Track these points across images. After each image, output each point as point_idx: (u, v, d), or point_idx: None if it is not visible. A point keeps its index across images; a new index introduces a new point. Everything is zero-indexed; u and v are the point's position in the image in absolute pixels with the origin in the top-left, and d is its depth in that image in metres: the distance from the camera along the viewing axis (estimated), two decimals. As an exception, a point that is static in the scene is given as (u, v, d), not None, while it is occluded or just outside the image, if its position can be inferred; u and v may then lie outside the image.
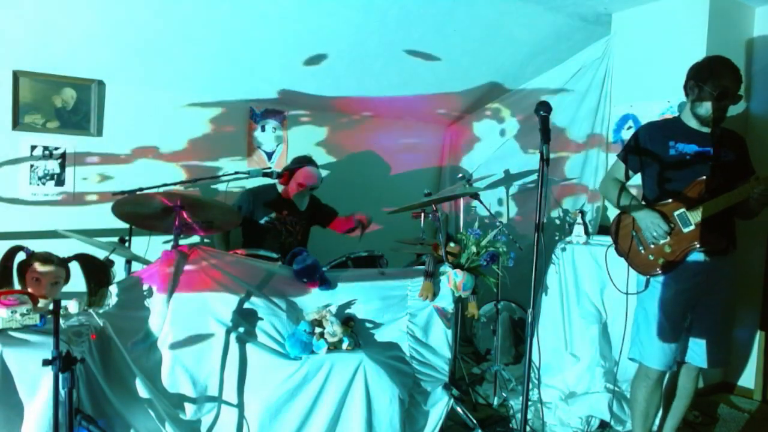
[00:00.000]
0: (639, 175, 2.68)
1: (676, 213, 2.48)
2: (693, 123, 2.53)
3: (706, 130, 2.50)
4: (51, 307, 1.79)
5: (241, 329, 2.50)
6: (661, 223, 2.46)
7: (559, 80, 4.20)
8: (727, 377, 3.68)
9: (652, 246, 2.51)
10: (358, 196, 4.66)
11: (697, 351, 2.54)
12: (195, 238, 3.64)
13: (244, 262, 2.81)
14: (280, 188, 3.69)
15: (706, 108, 2.46)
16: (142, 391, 2.26)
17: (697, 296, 2.49)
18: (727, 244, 2.50)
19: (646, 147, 2.58)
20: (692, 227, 2.44)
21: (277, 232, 3.62)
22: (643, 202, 2.60)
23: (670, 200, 2.51)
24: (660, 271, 2.49)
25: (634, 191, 2.70)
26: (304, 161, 3.68)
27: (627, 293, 2.64)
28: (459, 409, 2.83)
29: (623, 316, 2.67)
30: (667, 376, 2.67)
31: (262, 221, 3.61)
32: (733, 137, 2.57)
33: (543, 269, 3.28)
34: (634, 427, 2.70)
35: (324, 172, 3.88)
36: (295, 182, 3.60)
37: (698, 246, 2.43)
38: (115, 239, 3.04)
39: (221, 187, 3.93)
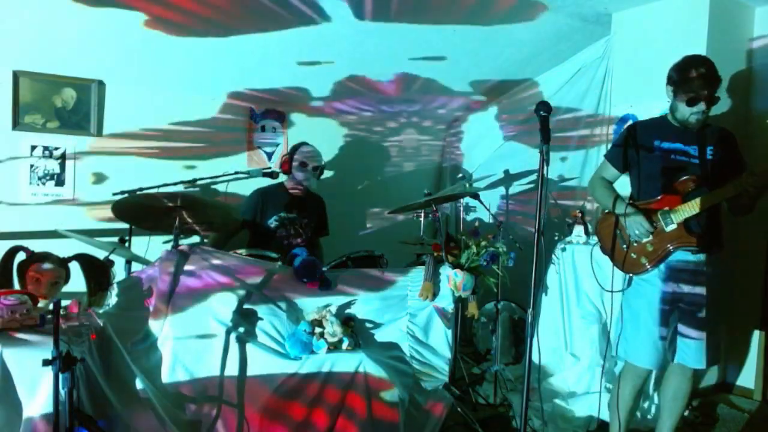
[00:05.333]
0: (627, 173, 2.67)
1: (659, 212, 2.48)
2: (677, 123, 2.54)
3: (691, 128, 2.51)
4: (51, 307, 1.79)
5: (241, 329, 2.51)
6: (644, 221, 2.46)
7: (559, 80, 4.20)
8: (726, 377, 3.67)
9: (635, 244, 2.52)
10: (359, 195, 4.67)
11: (687, 351, 2.51)
12: (195, 238, 3.64)
13: (244, 262, 2.81)
14: (290, 186, 3.69)
15: (682, 113, 2.48)
16: (142, 391, 2.26)
17: (681, 295, 2.48)
18: (712, 243, 2.48)
19: (632, 146, 2.57)
20: (674, 226, 2.44)
21: (285, 232, 3.61)
22: (629, 201, 2.59)
23: (657, 198, 2.50)
24: (642, 270, 2.49)
25: (621, 189, 2.68)
26: (299, 144, 3.71)
27: (612, 291, 2.62)
28: (459, 409, 2.83)
29: (620, 315, 2.65)
30: (653, 375, 2.64)
31: (271, 220, 3.59)
32: (721, 135, 2.56)
33: (543, 269, 3.28)
34: (615, 422, 2.65)
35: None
36: (298, 163, 3.61)
37: (679, 245, 2.43)
38: (115, 239, 3.05)
39: (221, 187, 3.94)
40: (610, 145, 2.80)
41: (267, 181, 3.67)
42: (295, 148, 3.68)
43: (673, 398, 2.65)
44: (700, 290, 2.48)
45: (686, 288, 2.48)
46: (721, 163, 2.49)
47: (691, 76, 2.43)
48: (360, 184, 4.65)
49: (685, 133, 2.51)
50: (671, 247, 2.45)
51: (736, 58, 3.51)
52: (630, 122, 3.53)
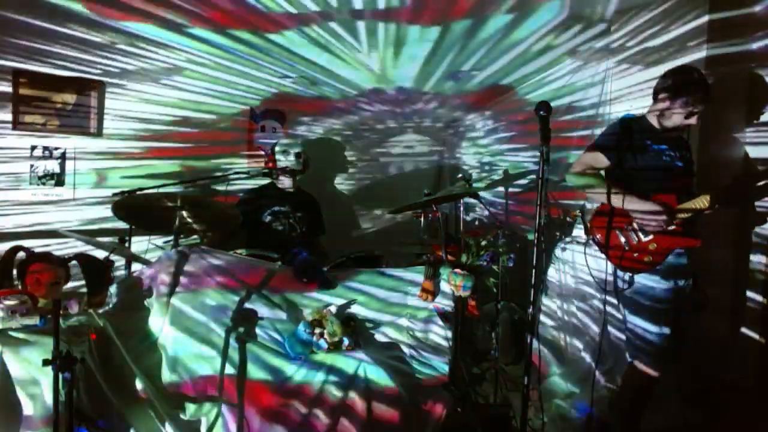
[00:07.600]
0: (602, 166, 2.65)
1: None
2: (660, 127, 2.60)
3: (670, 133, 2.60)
4: (51, 307, 1.79)
5: (241, 329, 2.50)
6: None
7: (559, 80, 4.20)
8: (726, 377, 3.67)
9: (636, 242, 2.52)
10: (359, 196, 4.67)
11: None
12: (195, 238, 3.64)
13: (243, 262, 2.81)
14: (280, 184, 3.70)
15: (674, 122, 2.55)
16: (142, 391, 2.26)
17: (678, 294, 2.50)
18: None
19: (635, 143, 2.56)
20: (673, 226, 2.48)
21: (281, 226, 3.63)
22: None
23: (651, 197, 2.51)
24: (645, 268, 2.50)
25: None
26: (277, 141, 3.89)
27: (613, 291, 2.61)
28: (459, 409, 2.83)
29: (623, 315, 2.65)
30: None
31: (265, 215, 3.61)
32: (684, 140, 2.68)
33: (543, 269, 3.27)
34: (623, 425, 2.68)
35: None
36: (281, 150, 3.72)
37: (679, 244, 2.46)
38: (115, 239, 3.05)
39: (221, 187, 3.94)
40: (600, 136, 2.72)
41: (263, 182, 3.69)
42: (275, 144, 3.79)
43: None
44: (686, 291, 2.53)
45: (681, 292, 2.51)
46: (691, 166, 2.61)
47: (694, 91, 2.47)
48: (360, 184, 4.65)
49: (668, 137, 2.58)
50: (672, 247, 2.46)
51: (737, 59, 3.51)
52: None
